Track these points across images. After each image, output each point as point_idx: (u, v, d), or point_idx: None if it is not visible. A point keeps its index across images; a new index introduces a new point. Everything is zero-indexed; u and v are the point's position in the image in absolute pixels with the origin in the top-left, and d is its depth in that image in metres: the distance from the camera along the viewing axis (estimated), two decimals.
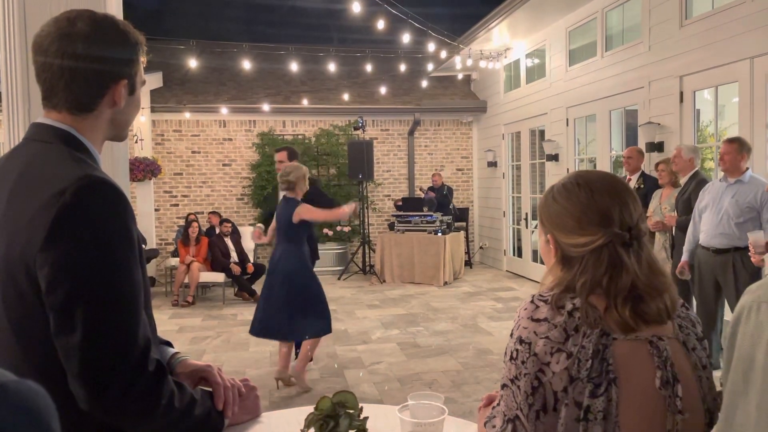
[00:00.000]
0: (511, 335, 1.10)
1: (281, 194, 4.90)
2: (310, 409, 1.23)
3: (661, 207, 5.32)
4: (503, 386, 1.09)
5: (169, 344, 1.42)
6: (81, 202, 1.02)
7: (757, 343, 0.81)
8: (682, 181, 5.09)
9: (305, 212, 4.59)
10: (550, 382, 1.02)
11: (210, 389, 1.31)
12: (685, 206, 4.89)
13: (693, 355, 1.11)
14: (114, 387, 1.02)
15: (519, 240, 10.27)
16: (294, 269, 4.59)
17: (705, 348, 1.14)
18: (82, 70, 1.14)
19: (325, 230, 10.54)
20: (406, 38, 8.15)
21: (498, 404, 1.11)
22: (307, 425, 1.09)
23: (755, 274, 4.31)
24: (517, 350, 1.06)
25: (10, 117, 2.13)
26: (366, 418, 1.10)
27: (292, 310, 4.52)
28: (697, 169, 5.05)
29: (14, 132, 2.11)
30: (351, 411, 1.08)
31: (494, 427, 1.08)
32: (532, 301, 1.11)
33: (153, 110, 10.19)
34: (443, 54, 9.88)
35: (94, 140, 1.20)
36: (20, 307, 1.05)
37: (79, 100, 1.16)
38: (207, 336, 6.45)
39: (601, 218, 1.12)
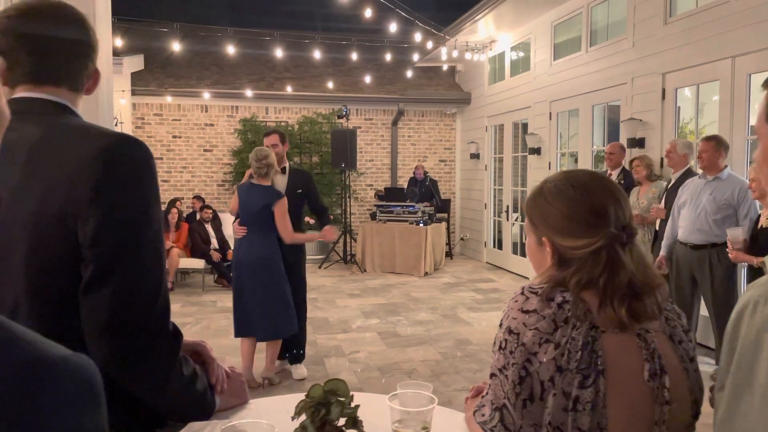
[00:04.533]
0: (500, 325, 1.11)
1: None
2: (299, 396, 1.23)
3: (639, 202, 5.40)
4: (492, 375, 1.10)
5: None
6: (126, 159, 1.06)
7: (763, 337, 0.82)
8: (674, 176, 5.16)
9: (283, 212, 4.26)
10: (537, 372, 1.03)
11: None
12: None
13: (680, 348, 1.13)
14: (138, 343, 1.05)
15: (500, 232, 10.35)
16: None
17: (691, 340, 1.17)
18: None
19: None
20: (391, 27, 8.11)
21: (487, 393, 1.12)
22: (299, 412, 1.10)
23: (731, 270, 4.41)
24: (505, 340, 1.08)
25: None
26: (357, 406, 1.11)
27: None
28: (690, 165, 5.12)
29: None
30: (342, 399, 1.09)
31: (483, 415, 1.10)
32: (522, 293, 1.12)
33: (134, 93, 10.04)
34: (429, 45, 9.86)
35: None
36: (45, 267, 1.05)
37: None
38: (186, 322, 6.41)
39: (597, 219, 1.13)
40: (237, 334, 4.45)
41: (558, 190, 1.18)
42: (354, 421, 1.09)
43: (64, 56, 1.17)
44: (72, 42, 1.17)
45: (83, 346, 1.04)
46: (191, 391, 1.19)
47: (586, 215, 1.13)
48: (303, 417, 1.10)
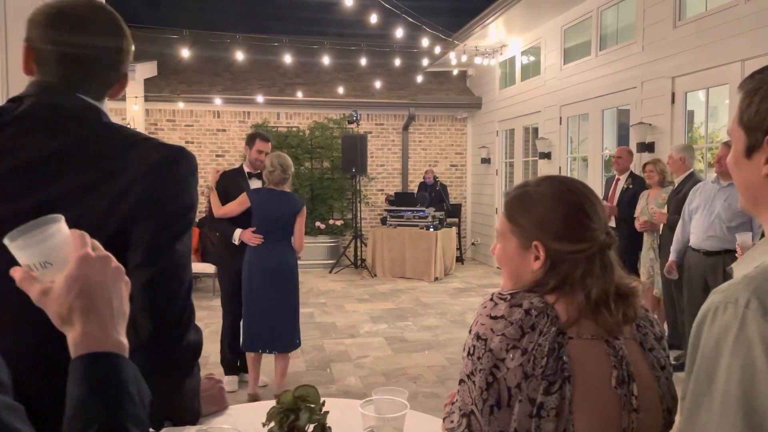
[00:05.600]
0: (470, 332, 1.11)
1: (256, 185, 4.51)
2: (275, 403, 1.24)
3: (648, 207, 5.33)
4: (461, 382, 1.10)
5: None
6: (184, 169, 1.12)
7: (722, 344, 0.82)
8: (677, 180, 5.10)
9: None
10: (505, 378, 1.02)
11: None
12: (679, 206, 4.89)
13: (650, 355, 1.12)
14: (172, 331, 1.12)
15: None
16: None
17: (664, 348, 1.15)
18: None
19: (318, 223, 10.55)
20: (400, 33, 8.12)
21: (456, 400, 1.12)
22: (269, 419, 1.10)
23: None
24: (473, 346, 1.08)
25: None
26: (326, 413, 1.11)
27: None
28: (692, 170, 5.06)
29: None
30: (312, 405, 1.09)
31: (452, 422, 1.10)
32: (491, 299, 1.12)
33: (147, 99, 10.16)
34: (438, 49, 9.86)
35: None
36: None
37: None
38: None
39: (591, 223, 1.12)
40: (248, 349, 4.22)
41: (553, 194, 1.15)
42: (323, 428, 1.09)
43: (97, 63, 1.16)
44: (105, 49, 1.16)
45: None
46: (197, 394, 1.21)
47: (582, 218, 1.12)
48: (273, 423, 1.11)
